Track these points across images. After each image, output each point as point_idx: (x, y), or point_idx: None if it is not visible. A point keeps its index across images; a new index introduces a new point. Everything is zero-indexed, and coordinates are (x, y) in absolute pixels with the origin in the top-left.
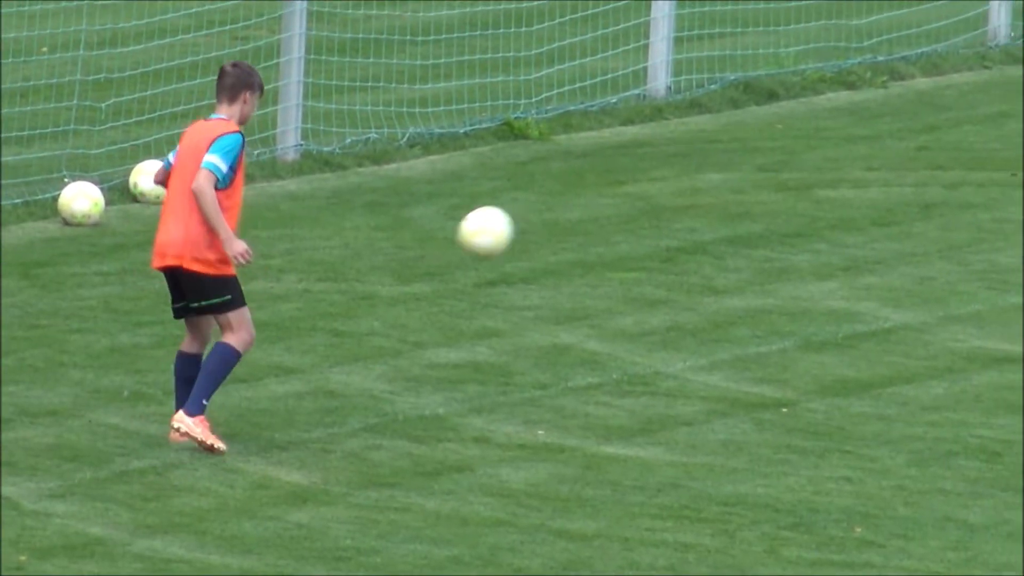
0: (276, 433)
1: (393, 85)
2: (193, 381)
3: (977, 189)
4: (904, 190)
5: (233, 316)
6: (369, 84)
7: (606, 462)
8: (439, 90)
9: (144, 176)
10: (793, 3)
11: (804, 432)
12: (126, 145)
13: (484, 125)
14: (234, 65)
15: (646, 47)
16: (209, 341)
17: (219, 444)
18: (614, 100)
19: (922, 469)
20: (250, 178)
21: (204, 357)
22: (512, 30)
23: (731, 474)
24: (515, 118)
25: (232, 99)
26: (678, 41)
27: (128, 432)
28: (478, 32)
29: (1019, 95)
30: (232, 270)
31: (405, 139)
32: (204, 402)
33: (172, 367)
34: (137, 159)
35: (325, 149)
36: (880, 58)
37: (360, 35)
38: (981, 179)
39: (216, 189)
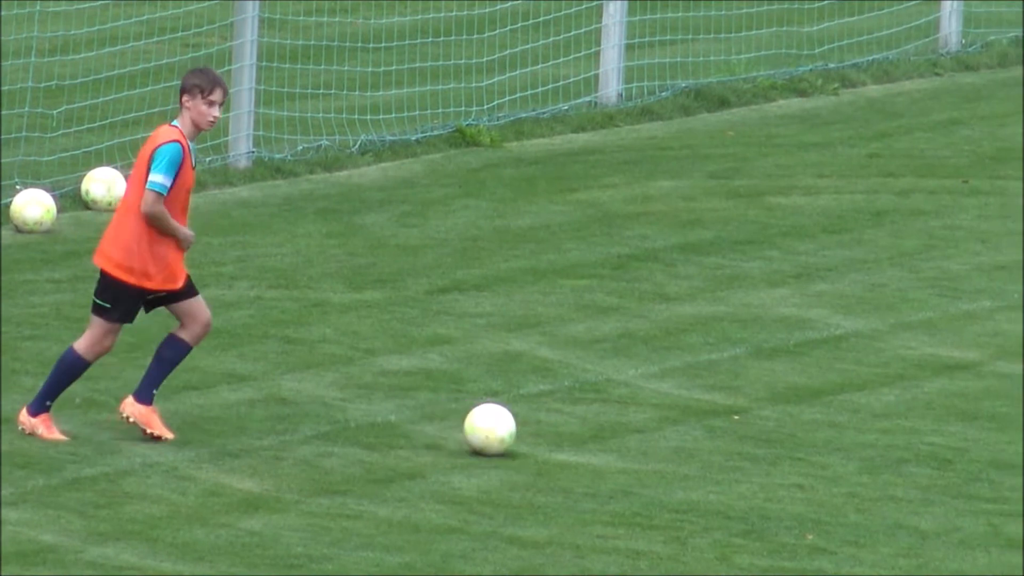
0: (228, 440)
1: (345, 92)
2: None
3: (928, 196)
4: (855, 197)
5: (95, 322)
6: (321, 91)
7: (558, 469)
8: (391, 97)
9: (96, 183)
10: (744, 11)
11: (755, 439)
12: (78, 152)
13: (436, 132)
14: (190, 71)
15: (597, 54)
16: (198, 329)
17: (167, 434)
18: (565, 107)
19: (873, 476)
20: (202, 185)
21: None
22: (463, 37)
23: (683, 481)
24: (467, 125)
25: (180, 105)
26: (629, 48)
27: (80, 439)
28: (429, 39)
29: (970, 102)
30: (128, 280)
31: (357, 146)
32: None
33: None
34: (89, 166)
35: (277, 156)
36: (831, 65)
37: (312, 42)
38: (932, 186)
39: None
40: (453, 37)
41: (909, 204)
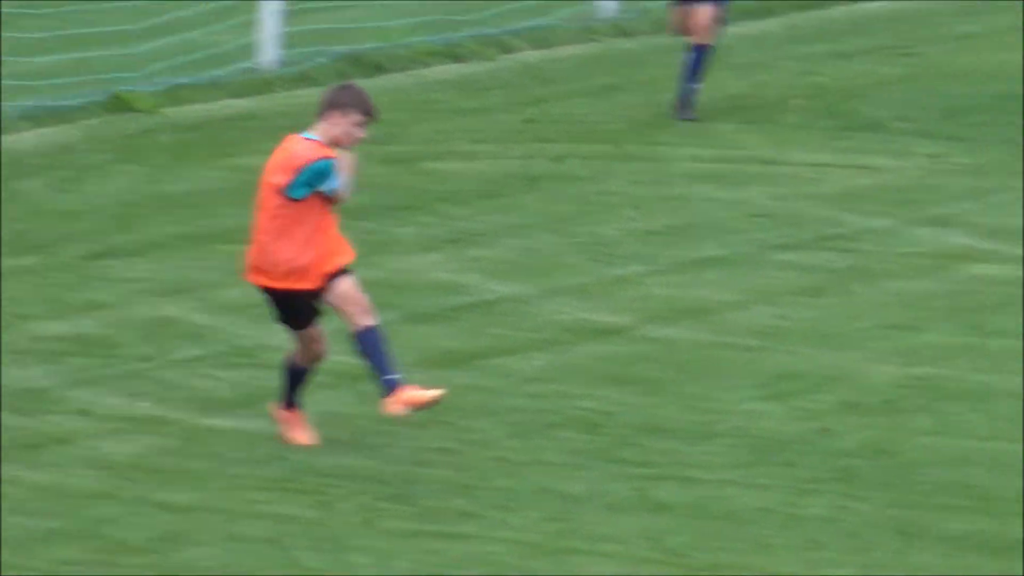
0: None
1: (2, 58)
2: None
3: (583, 162)
4: (511, 163)
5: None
6: None
7: (209, 434)
8: (48, 63)
9: None
10: None
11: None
12: None
13: (93, 98)
14: (339, 86)
15: (256, 20)
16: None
17: (435, 392)
18: (223, 74)
19: (523, 440)
20: None
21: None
22: (121, 3)
23: (333, 446)
24: (124, 91)
25: (321, 117)
26: (288, 15)
27: None
28: (89, 4)
29: (627, 68)
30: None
31: (15, 112)
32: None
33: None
34: None
35: None
36: (489, 31)
37: None
38: (587, 152)
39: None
40: (111, 3)
41: (564, 170)
